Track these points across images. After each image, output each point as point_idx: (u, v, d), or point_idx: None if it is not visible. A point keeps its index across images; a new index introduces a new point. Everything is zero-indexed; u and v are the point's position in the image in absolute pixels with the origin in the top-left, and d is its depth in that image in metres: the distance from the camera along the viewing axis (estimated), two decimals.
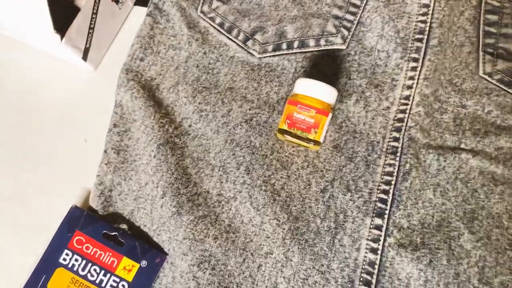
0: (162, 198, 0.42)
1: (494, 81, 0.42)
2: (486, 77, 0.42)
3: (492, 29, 0.44)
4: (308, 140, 0.40)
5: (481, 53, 0.43)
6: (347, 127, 0.43)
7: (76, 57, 0.45)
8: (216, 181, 0.43)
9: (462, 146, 0.41)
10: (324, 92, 0.40)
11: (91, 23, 0.45)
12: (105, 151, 0.45)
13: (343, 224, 0.41)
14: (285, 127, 0.40)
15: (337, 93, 0.41)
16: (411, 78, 0.43)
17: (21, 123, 0.48)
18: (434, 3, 0.45)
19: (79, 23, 0.44)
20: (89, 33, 0.45)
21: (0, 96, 0.49)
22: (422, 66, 0.43)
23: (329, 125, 0.43)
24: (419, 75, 0.43)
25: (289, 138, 0.41)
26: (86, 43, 0.45)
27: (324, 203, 0.42)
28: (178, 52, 0.47)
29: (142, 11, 0.51)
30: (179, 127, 0.45)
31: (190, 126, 0.45)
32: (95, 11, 0.44)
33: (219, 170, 0.43)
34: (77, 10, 0.44)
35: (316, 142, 0.40)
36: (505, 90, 0.42)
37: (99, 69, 0.49)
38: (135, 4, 0.51)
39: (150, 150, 0.44)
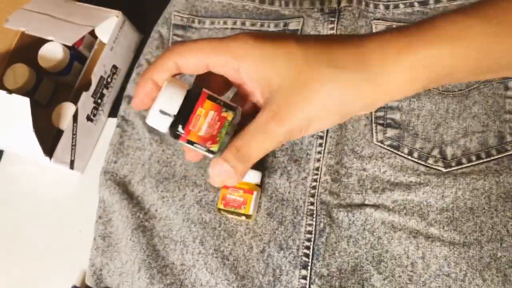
0: (139, 272, 0.54)
1: (385, 146, 0.52)
2: (379, 144, 0.53)
3: None
4: (240, 214, 0.51)
5: (373, 125, 0.54)
6: (276, 197, 0.54)
7: (64, 168, 0.59)
8: (179, 253, 0.54)
9: (366, 202, 0.51)
10: (248, 176, 0.51)
11: (72, 141, 0.58)
12: (94, 239, 0.57)
13: (279, 277, 0.51)
14: (222, 206, 0.52)
15: (261, 174, 0.53)
16: (319, 152, 0.54)
17: (28, 221, 0.61)
18: None
19: (63, 144, 0.57)
20: (72, 149, 0.58)
21: (8, 200, 0.63)
22: (325, 142, 0.54)
23: (262, 197, 0.54)
24: (324, 150, 0.54)
25: (226, 214, 0.52)
26: (71, 157, 0.59)
27: (264, 261, 0.52)
28: (143, 152, 0.60)
29: (115, 121, 0.64)
30: (148, 213, 0.57)
31: (156, 210, 0.57)
32: (74, 132, 0.58)
33: (180, 244, 0.54)
34: (60, 131, 0.58)
35: (247, 215, 0.51)
36: (394, 152, 0.52)
37: (86, 172, 0.63)
38: (109, 116, 0.65)
39: (127, 235, 0.56)
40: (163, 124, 0.29)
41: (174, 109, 0.28)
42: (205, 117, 0.28)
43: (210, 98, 0.29)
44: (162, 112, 0.28)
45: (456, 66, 0.26)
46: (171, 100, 0.28)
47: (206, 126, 0.29)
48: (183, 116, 0.29)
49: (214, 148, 0.29)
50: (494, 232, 0.47)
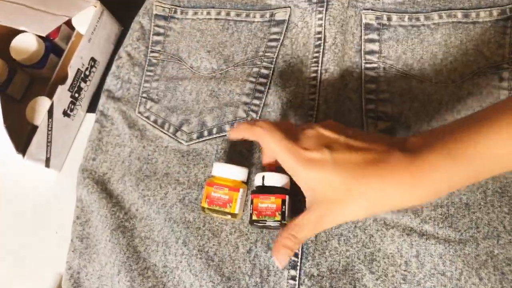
0: (118, 275, 0.51)
1: None
2: None
3: (372, 96, 0.52)
4: (225, 213, 0.48)
5: (364, 118, 0.51)
6: None
7: (40, 166, 0.55)
8: (161, 255, 0.51)
9: None
10: (234, 172, 0.49)
11: (48, 138, 0.55)
12: (72, 240, 0.54)
13: (267, 278, 0.49)
14: (206, 205, 0.49)
15: (247, 170, 0.50)
16: None
17: (1, 221, 0.58)
18: (320, 85, 0.54)
19: (38, 140, 0.54)
20: (47, 146, 0.55)
21: None
22: None
23: (249, 194, 0.52)
24: None
25: (210, 213, 0.49)
26: (47, 154, 0.56)
27: (250, 262, 0.49)
28: (123, 148, 0.57)
29: (94, 116, 0.61)
30: (128, 212, 0.54)
31: (136, 210, 0.54)
32: (49, 128, 0.55)
33: (162, 245, 0.52)
34: (35, 127, 0.55)
35: (233, 214, 0.49)
36: None
37: (63, 170, 0.59)
38: (87, 111, 0.62)
39: (106, 235, 0.52)
40: (257, 181, 0.49)
41: (270, 181, 0.48)
42: (265, 202, 0.47)
43: (282, 202, 0.46)
44: (263, 178, 0.48)
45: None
46: (272, 178, 0.48)
47: (263, 206, 0.47)
48: (263, 188, 0.48)
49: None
50: (490, 228, 0.45)
